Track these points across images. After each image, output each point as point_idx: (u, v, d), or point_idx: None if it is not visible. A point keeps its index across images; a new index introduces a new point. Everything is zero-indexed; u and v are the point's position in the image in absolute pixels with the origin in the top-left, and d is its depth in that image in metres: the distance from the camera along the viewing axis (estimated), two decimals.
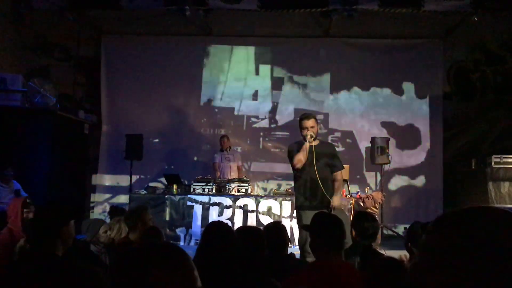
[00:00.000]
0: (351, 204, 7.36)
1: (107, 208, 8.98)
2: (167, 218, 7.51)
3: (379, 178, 8.67)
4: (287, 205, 7.43)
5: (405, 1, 7.39)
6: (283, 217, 7.35)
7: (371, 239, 3.74)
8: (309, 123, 5.00)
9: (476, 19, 7.59)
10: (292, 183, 8.79)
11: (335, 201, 4.95)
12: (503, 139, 8.86)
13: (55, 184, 7.31)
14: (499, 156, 7.10)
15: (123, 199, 8.81)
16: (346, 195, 7.67)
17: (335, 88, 9.59)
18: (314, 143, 5.03)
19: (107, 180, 9.47)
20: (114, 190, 9.38)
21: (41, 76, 8.23)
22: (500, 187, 6.94)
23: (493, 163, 7.04)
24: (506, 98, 9.01)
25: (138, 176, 9.13)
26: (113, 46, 9.72)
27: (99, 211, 9.25)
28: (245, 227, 4.43)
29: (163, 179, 8.50)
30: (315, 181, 4.93)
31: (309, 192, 5.00)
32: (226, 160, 8.31)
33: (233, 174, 8.22)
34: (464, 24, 8.33)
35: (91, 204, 9.33)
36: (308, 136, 4.97)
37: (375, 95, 9.53)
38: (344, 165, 7.91)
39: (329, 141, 5.67)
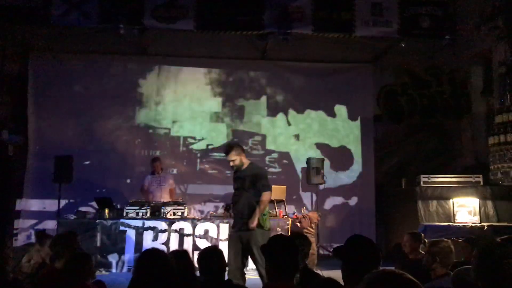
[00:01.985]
0: (288, 224, 7.38)
1: (33, 235, 8.46)
2: (98, 244, 7.15)
3: (314, 198, 8.80)
4: (225, 228, 7.31)
5: (337, 26, 7.66)
6: (221, 240, 7.22)
7: (301, 259, 3.74)
8: (228, 157, 5.28)
9: (403, 45, 8.01)
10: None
11: (249, 222, 5.05)
12: (429, 159, 9.31)
13: None
14: (427, 176, 7.42)
15: (50, 224, 8.31)
16: (283, 215, 7.69)
17: (271, 110, 9.71)
18: (240, 169, 5.29)
19: (33, 204, 8.92)
20: (41, 215, 8.84)
21: None
22: (428, 205, 7.22)
23: (421, 183, 7.34)
24: (431, 120, 9.51)
25: (67, 200, 8.68)
26: (42, 64, 9.28)
27: (23, 238, 8.66)
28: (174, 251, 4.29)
29: (94, 203, 8.12)
30: (234, 205, 5.34)
31: (233, 215, 5.43)
32: (157, 183, 8.10)
33: (165, 197, 8.02)
34: (392, 49, 8.76)
35: (15, 231, 8.71)
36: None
37: (310, 117, 9.74)
38: (281, 186, 8.07)
39: (257, 164, 5.85)
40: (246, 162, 5.33)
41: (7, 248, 3.50)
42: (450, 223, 6.99)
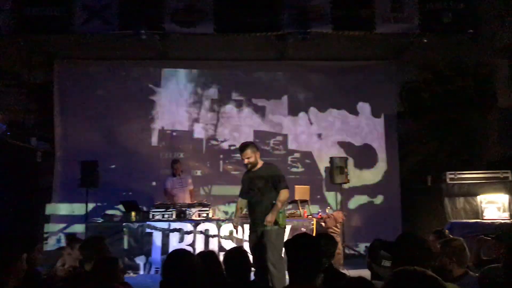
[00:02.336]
0: (312, 224, 7.36)
1: (62, 238, 8.65)
2: (126, 247, 7.26)
3: (339, 197, 8.74)
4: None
5: (358, 24, 7.60)
6: (245, 240, 7.24)
7: (327, 258, 3.72)
8: (244, 155, 5.30)
9: (425, 40, 7.89)
10: None
11: (267, 217, 5.06)
12: (454, 155, 9.15)
13: (3, 215, 6.96)
14: (453, 172, 7.29)
15: (79, 228, 8.48)
16: (308, 215, 7.68)
17: (292, 110, 9.69)
18: (254, 168, 5.31)
19: (62, 209, 9.12)
20: (69, 219, 9.03)
21: None
22: (455, 202, 7.11)
23: (448, 180, 7.22)
24: (455, 116, 9.34)
25: (94, 204, 8.83)
26: (66, 71, 9.49)
27: (53, 241, 8.86)
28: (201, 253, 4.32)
29: (120, 207, 8.25)
30: (251, 205, 5.32)
31: (249, 215, 5.41)
32: (179, 185, 8.18)
33: (188, 198, 8.10)
34: (414, 45, 8.64)
35: (45, 235, 8.92)
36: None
37: (332, 116, 9.69)
38: (304, 186, 8.07)
39: (271, 164, 5.82)
40: (260, 162, 5.35)
41: (36, 250, 3.58)
42: (478, 220, 6.87)
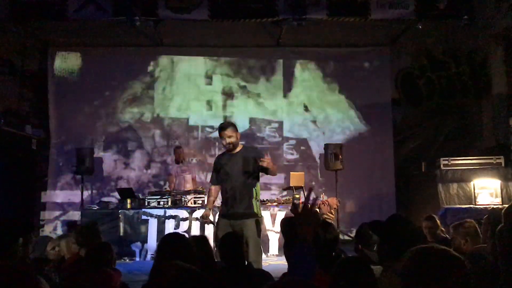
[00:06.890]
0: None
1: (58, 226, 8.69)
2: (122, 234, 7.32)
3: (333, 184, 8.77)
4: None
5: (353, 10, 7.58)
6: None
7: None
8: (225, 134, 4.77)
9: (420, 27, 7.88)
10: None
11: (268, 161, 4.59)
12: (449, 142, 9.19)
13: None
14: (447, 158, 7.32)
15: (75, 215, 8.52)
16: (302, 202, 7.71)
17: (288, 97, 9.68)
18: (234, 151, 4.83)
19: (58, 196, 9.14)
20: (65, 207, 9.06)
21: None
22: (449, 188, 7.15)
23: (441, 166, 7.24)
24: (450, 102, 9.36)
25: (90, 192, 8.87)
26: (60, 58, 9.44)
27: (50, 229, 8.89)
28: (193, 236, 4.29)
29: (116, 194, 8.28)
30: (229, 192, 4.78)
31: (226, 203, 4.81)
32: (182, 172, 8.22)
33: (189, 186, 8.13)
34: (409, 31, 8.63)
35: (41, 222, 8.94)
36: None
37: (327, 102, 9.70)
38: (299, 172, 8.10)
39: (251, 145, 5.53)
40: (240, 145, 4.90)
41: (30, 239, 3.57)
42: (471, 206, 6.92)
